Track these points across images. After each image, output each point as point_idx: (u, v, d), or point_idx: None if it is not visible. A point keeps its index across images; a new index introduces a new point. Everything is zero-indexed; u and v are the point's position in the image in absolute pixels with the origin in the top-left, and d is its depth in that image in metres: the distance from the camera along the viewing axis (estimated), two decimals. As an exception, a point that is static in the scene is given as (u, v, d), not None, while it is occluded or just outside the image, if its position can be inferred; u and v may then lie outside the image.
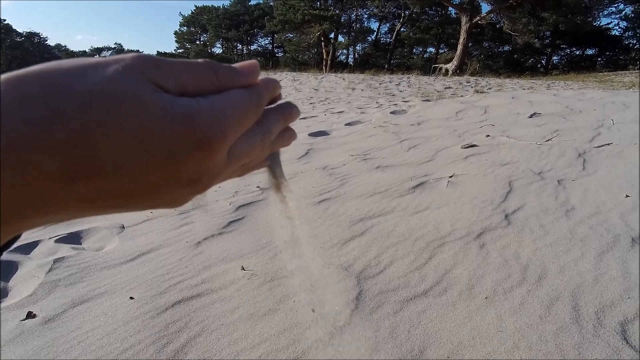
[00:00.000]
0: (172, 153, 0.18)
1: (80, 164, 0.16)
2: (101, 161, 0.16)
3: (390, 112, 5.72)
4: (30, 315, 1.29)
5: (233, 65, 0.22)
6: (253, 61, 0.23)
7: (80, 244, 1.85)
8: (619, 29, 26.43)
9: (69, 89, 0.16)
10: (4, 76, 0.16)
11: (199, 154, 0.18)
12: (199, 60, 0.21)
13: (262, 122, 0.23)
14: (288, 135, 0.27)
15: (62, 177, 0.16)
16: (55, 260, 1.61)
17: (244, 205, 2.22)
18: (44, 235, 1.87)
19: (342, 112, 6.29)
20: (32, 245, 1.78)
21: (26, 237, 1.85)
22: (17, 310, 1.32)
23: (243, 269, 1.54)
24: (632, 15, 24.33)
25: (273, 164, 0.28)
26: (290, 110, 0.26)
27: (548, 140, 3.39)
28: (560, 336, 1.13)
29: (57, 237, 1.85)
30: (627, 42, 25.81)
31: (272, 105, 0.25)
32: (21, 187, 0.15)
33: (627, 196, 2.09)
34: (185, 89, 0.19)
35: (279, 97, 0.26)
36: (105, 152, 0.16)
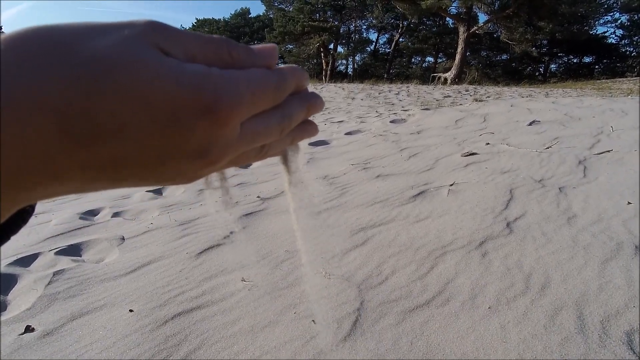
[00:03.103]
0: (177, 119, 0.17)
1: (80, 128, 0.15)
2: (102, 126, 0.16)
3: (390, 121, 5.74)
4: (28, 329, 1.28)
5: (250, 46, 0.21)
6: (272, 44, 0.22)
7: (80, 256, 1.84)
8: (616, 37, 26.70)
9: (70, 51, 0.15)
10: (5, 35, 0.15)
11: (206, 122, 0.17)
12: (214, 35, 0.20)
13: (282, 107, 0.22)
14: (309, 128, 0.26)
15: (62, 142, 0.15)
16: (55, 273, 1.61)
17: (244, 215, 2.21)
18: (44, 248, 1.86)
19: (342, 121, 6.32)
20: (32, 258, 1.78)
21: (26, 250, 1.84)
22: (16, 324, 1.31)
23: (243, 280, 1.53)
24: (628, 23, 24.61)
25: (289, 158, 0.27)
26: (315, 100, 0.25)
27: (548, 148, 3.40)
28: (566, 347, 1.12)
29: (57, 250, 1.84)
30: (623, 50, 26.06)
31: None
32: (20, 150, 0.15)
33: (629, 203, 2.08)
34: (194, 61, 0.18)
35: (304, 90, 0.24)
36: (106, 116, 0.15)
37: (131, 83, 0.16)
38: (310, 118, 0.25)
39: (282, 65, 0.22)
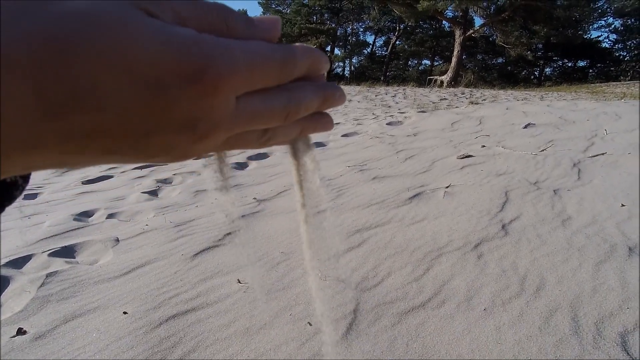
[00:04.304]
0: (161, 86, 0.15)
1: (56, 94, 0.14)
2: (79, 93, 0.14)
3: (387, 124, 5.76)
4: (20, 331, 1.26)
5: (250, 16, 0.19)
6: (274, 16, 0.20)
7: (74, 257, 1.83)
8: (609, 42, 27.03)
9: (42, 6, 0.14)
10: None
11: (193, 90, 0.16)
12: (210, 1, 0.17)
13: (291, 89, 0.20)
14: (323, 121, 0.23)
15: (38, 110, 0.14)
16: (48, 275, 1.59)
17: (240, 217, 2.21)
18: (37, 250, 1.84)
19: (338, 123, 6.33)
20: (25, 260, 1.76)
21: (19, 252, 1.82)
22: (8, 326, 1.29)
23: (239, 281, 1.52)
24: (622, 28, 24.92)
25: (299, 151, 0.25)
26: (333, 91, 0.22)
27: (543, 151, 3.42)
28: (560, 348, 1.12)
29: (51, 251, 1.82)
30: (617, 54, 26.38)
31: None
32: None
33: (622, 205, 2.09)
34: (184, 26, 0.16)
35: (322, 77, 0.22)
36: (83, 81, 0.14)
37: (111, 44, 0.14)
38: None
39: (297, 44, 0.20)
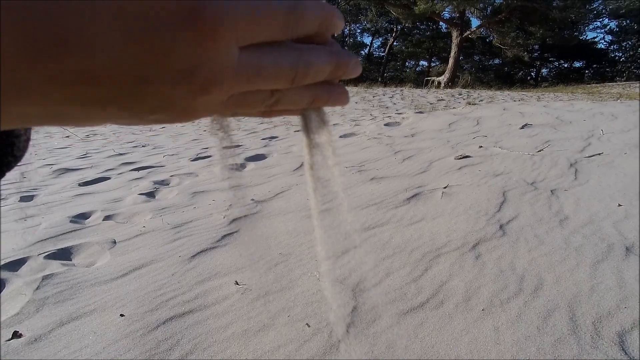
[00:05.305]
0: (156, 27, 0.14)
1: (45, 35, 0.13)
2: (68, 34, 0.13)
3: (384, 124, 5.76)
4: (16, 334, 1.25)
5: None
6: None
7: (71, 260, 1.81)
8: (605, 43, 27.24)
9: None
10: None
11: (191, 32, 0.14)
12: None
13: (301, 49, 0.18)
14: (336, 92, 0.22)
15: (27, 51, 0.13)
16: (44, 277, 1.58)
17: (238, 218, 2.20)
18: (33, 252, 1.83)
19: (336, 124, 6.34)
20: (21, 262, 1.74)
21: (14, 254, 1.81)
22: (3, 329, 1.28)
23: (237, 283, 1.51)
24: (617, 29, 25.10)
25: (311, 124, 0.23)
26: (348, 59, 0.20)
27: (540, 151, 3.43)
28: (559, 348, 1.12)
29: (47, 254, 1.81)
30: (613, 55, 26.56)
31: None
32: None
33: (619, 205, 2.10)
34: None
35: (334, 42, 0.20)
36: (73, 22, 0.13)
37: None
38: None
39: None
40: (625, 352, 1.09)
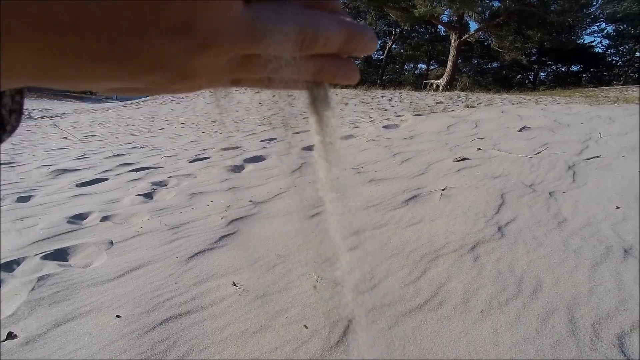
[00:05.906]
0: None
1: None
2: None
3: (383, 127, 5.77)
4: (10, 335, 1.24)
5: None
6: None
7: (67, 260, 1.80)
8: (602, 47, 27.42)
9: None
10: None
11: None
12: None
13: (311, 14, 0.17)
14: (347, 68, 0.20)
15: None
16: (40, 278, 1.56)
17: (236, 219, 2.19)
18: (29, 252, 1.81)
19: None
20: (16, 263, 1.73)
21: (10, 255, 1.79)
22: (-3, 330, 1.26)
23: (234, 284, 1.50)
24: (614, 33, 25.28)
25: (317, 99, 0.21)
26: (362, 31, 0.19)
27: (538, 153, 3.44)
28: (558, 350, 1.11)
29: (43, 254, 1.79)
30: (610, 59, 26.73)
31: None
32: None
33: (617, 207, 2.11)
34: None
35: (344, 14, 0.19)
36: None
37: None
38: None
39: None
40: (625, 354, 1.09)
